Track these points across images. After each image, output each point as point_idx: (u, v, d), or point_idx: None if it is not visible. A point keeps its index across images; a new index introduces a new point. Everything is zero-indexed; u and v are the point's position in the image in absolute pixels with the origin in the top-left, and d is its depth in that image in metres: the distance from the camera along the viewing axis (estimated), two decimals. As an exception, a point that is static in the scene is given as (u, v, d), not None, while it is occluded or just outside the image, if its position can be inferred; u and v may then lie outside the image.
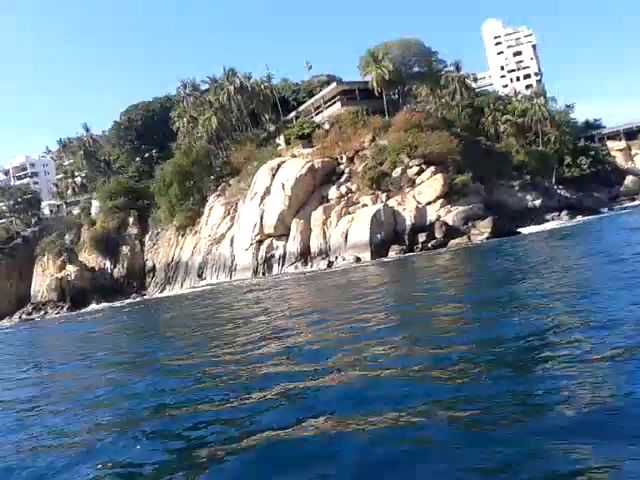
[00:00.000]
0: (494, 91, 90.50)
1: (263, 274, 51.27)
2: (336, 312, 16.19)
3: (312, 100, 70.80)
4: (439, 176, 48.50)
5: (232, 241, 57.26)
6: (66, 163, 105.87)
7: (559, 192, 61.68)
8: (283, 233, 52.16)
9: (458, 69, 68.56)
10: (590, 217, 52.29)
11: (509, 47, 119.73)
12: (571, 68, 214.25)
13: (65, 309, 62.99)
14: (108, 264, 71.84)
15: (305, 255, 49.85)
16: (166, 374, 11.38)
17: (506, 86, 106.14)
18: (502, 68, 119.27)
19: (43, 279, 70.55)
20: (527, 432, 5.29)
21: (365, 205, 49.13)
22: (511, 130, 64.53)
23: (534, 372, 7.19)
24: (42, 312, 64.16)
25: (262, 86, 75.02)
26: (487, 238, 42.27)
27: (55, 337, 34.19)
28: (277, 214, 52.54)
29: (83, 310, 58.79)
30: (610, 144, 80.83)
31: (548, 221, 52.81)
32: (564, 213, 54.02)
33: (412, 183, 49.54)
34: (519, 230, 45.19)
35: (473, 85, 73.75)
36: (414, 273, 29.14)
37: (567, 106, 75.47)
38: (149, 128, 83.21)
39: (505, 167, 59.26)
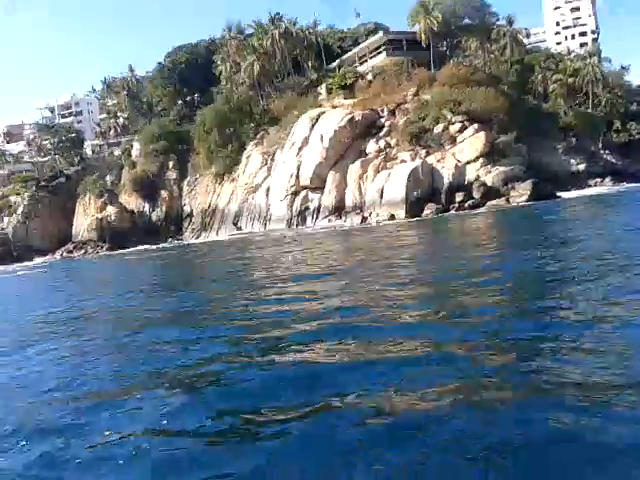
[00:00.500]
0: (546, 48, 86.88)
1: (297, 225, 51.52)
2: (368, 273, 15.82)
3: (357, 49, 69.20)
4: (482, 134, 47.27)
5: (268, 191, 57.44)
6: (109, 103, 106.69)
7: (605, 157, 59.63)
8: (319, 186, 52.00)
9: (510, 23, 65.68)
10: (635, 184, 50.58)
11: (567, 2, 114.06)
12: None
13: (104, 249, 64.69)
14: (147, 207, 73.06)
15: (339, 209, 49.77)
16: (203, 321, 11.63)
17: (560, 43, 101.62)
18: (557, 24, 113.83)
19: (84, 219, 72.40)
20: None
21: (403, 161, 48.42)
22: (560, 90, 62.03)
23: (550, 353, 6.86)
24: (82, 251, 66.08)
25: (307, 32, 73.57)
26: (526, 200, 41.41)
27: (100, 274, 35.25)
28: (314, 166, 52.30)
29: (122, 251, 60.16)
30: (665, 110, 77.10)
31: (591, 186, 51.38)
32: (608, 179, 52.44)
33: (453, 140, 48.50)
34: (559, 194, 44.10)
35: (525, 41, 70.88)
36: (448, 236, 28.56)
37: (622, 67, 72.01)
38: (192, 71, 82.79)
39: (551, 128, 57.39)
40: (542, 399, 5.42)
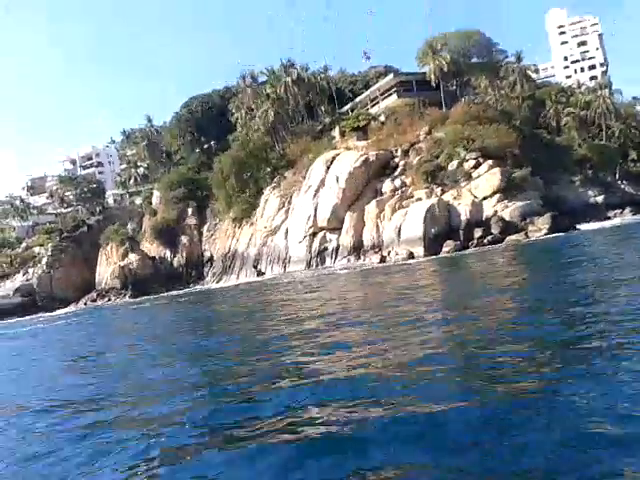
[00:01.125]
0: (557, 82, 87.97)
1: (316, 266, 51.79)
2: (393, 326, 14.15)
3: (368, 92, 70.72)
4: (496, 170, 47.60)
5: (286, 233, 58.02)
6: (129, 153, 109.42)
7: (622, 188, 59.60)
8: (336, 226, 52.47)
9: (519, 60, 66.88)
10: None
11: (574, 37, 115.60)
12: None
13: (127, 296, 65.45)
14: (168, 253, 74.02)
15: (358, 249, 50.04)
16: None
17: (570, 77, 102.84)
18: (566, 59, 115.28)
19: (107, 267, 73.45)
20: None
21: (419, 199, 48.80)
22: (573, 123, 62.63)
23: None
24: (105, 299, 66.92)
25: (319, 77, 75.35)
26: (545, 234, 41.38)
27: (129, 323, 35.11)
28: (331, 207, 52.90)
29: (144, 298, 60.75)
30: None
31: (610, 218, 51.22)
32: (627, 210, 52.25)
33: (468, 177, 48.87)
34: (578, 227, 44.04)
35: (534, 76, 71.94)
36: (470, 277, 27.00)
37: (634, 98, 72.63)
38: (208, 120, 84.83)
39: (566, 161, 57.68)
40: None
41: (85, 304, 67.77)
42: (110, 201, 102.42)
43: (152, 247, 75.32)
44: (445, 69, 58.75)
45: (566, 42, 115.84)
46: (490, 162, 48.31)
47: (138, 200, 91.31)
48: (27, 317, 62.47)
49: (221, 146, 79.01)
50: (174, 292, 59.90)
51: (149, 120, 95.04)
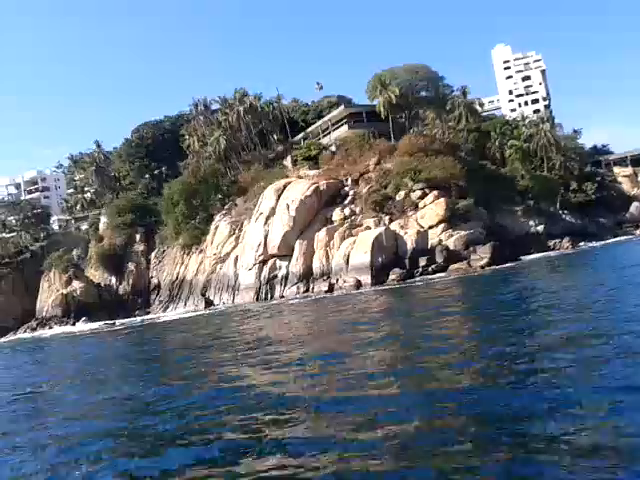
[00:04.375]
0: (502, 115, 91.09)
1: (265, 294, 51.46)
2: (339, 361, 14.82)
3: (320, 122, 71.66)
4: (442, 200, 48.89)
5: (236, 261, 57.56)
6: (77, 178, 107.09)
7: (563, 217, 61.77)
8: (286, 254, 52.43)
9: (464, 94, 69.08)
10: (594, 244, 52.42)
11: (518, 72, 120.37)
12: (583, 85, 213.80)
13: (69, 325, 63.21)
14: (114, 280, 72.24)
15: (307, 276, 50.05)
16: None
17: (514, 110, 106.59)
18: (510, 92, 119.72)
19: (49, 294, 70.94)
20: None
21: (368, 228, 49.43)
22: (516, 155, 64.76)
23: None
24: (46, 327, 64.47)
25: (272, 107, 75.95)
26: (487, 264, 42.38)
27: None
28: (281, 234, 52.88)
29: (83, 327, 58.07)
30: (616, 170, 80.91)
31: (550, 247, 52.90)
32: (566, 240, 54.01)
33: (415, 207, 49.99)
34: (520, 257, 45.32)
35: (480, 109, 74.26)
36: (416, 309, 26.82)
37: (574, 131, 75.85)
38: (159, 146, 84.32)
39: (509, 192, 59.50)
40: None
41: (24, 333, 65.20)
42: (55, 227, 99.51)
43: (97, 274, 73.41)
44: (394, 102, 60.11)
45: (511, 77, 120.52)
46: (436, 192, 49.59)
47: (84, 226, 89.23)
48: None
49: (172, 172, 78.37)
50: (117, 322, 57.43)
51: (98, 145, 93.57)
